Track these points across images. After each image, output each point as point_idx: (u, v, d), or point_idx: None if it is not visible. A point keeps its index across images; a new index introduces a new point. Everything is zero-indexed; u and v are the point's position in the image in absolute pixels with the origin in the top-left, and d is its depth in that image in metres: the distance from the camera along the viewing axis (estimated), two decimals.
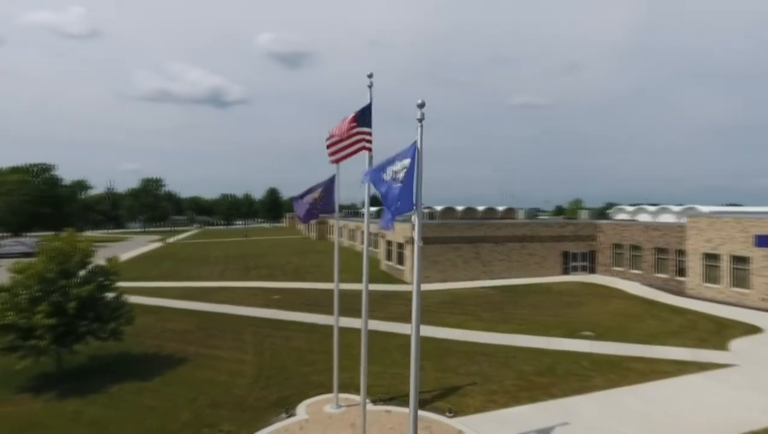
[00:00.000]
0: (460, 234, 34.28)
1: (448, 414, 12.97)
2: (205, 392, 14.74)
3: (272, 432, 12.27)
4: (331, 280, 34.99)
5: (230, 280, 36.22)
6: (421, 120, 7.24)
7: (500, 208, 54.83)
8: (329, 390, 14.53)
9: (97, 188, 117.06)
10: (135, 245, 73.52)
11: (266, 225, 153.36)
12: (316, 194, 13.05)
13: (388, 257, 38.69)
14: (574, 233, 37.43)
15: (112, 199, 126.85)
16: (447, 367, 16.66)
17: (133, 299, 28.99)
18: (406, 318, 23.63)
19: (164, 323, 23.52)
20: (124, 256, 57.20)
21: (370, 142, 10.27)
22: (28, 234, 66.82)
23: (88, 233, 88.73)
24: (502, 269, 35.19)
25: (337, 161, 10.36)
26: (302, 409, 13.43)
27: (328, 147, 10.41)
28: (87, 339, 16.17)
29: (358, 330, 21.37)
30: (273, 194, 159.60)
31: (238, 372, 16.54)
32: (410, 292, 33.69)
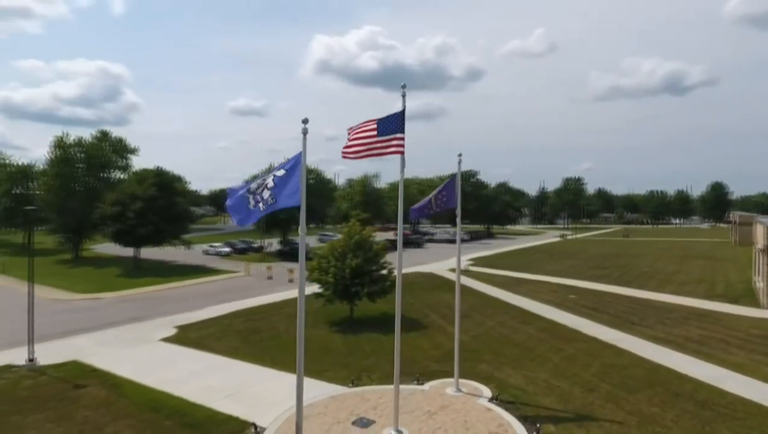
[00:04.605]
0: None
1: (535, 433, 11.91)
2: (403, 352, 18.55)
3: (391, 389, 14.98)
4: (662, 290, 30.24)
5: (558, 276, 36.74)
6: (305, 133, 8.91)
7: None
8: (482, 379, 15.55)
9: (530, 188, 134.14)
10: (537, 239, 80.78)
11: (703, 225, 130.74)
12: (436, 192, 14.70)
13: (757, 270, 29.02)
14: None
15: (541, 197, 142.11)
16: (622, 398, 13.87)
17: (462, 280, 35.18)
18: (679, 344, 19.11)
19: (453, 301, 28.10)
20: (515, 247, 64.65)
21: (403, 146, 11.51)
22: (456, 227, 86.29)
23: (508, 226, 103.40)
24: None
25: (358, 157, 11.75)
26: (431, 384, 15.25)
27: (352, 145, 11.65)
28: (361, 298, 22.90)
29: (603, 344, 19.36)
30: (717, 189, 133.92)
31: (442, 345, 19.30)
32: (747, 317, 26.57)
